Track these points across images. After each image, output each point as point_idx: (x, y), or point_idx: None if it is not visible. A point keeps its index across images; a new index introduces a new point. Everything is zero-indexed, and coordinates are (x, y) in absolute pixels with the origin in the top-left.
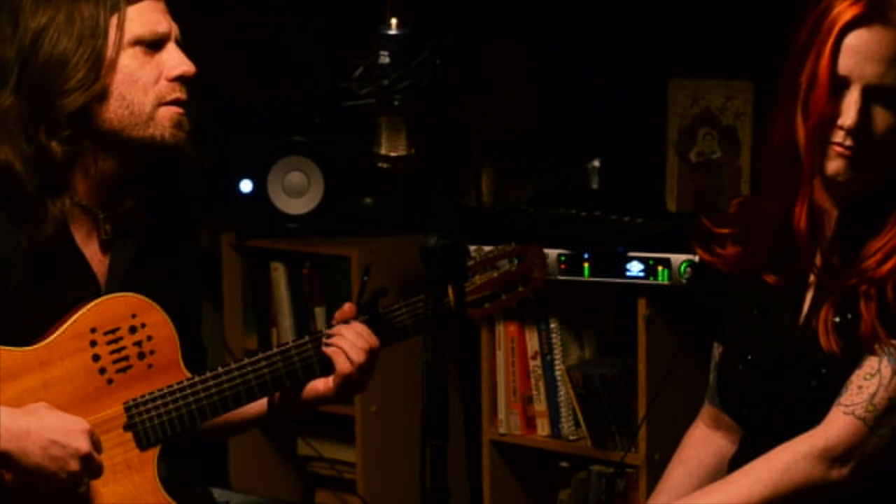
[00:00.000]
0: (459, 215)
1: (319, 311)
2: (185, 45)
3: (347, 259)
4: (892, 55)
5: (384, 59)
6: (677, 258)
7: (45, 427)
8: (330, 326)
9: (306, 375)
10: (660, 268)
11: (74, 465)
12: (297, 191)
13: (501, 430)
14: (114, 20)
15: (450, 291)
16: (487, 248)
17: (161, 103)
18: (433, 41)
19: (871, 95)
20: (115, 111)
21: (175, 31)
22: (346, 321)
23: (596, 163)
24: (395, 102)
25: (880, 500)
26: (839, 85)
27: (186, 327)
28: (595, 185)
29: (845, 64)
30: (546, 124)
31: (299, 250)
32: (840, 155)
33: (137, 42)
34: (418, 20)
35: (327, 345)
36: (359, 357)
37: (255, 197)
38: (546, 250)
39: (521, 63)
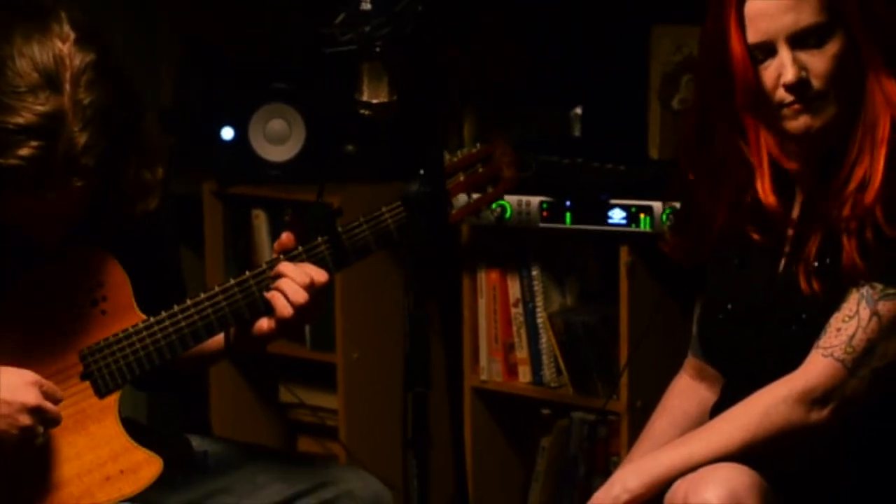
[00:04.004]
0: (441, 162)
1: None
2: None
3: (318, 204)
4: None
5: (366, 5)
6: (659, 206)
7: None
8: (272, 261)
9: (252, 313)
10: (642, 215)
11: (25, 420)
12: (278, 138)
13: (483, 378)
14: None
15: None
16: (452, 155)
17: None
18: None
19: (797, 42)
20: None
21: None
22: (286, 252)
23: (578, 110)
24: (377, 49)
25: (859, 443)
26: (765, 52)
27: (152, 273)
28: (577, 133)
29: (759, 30)
30: (528, 72)
31: (281, 197)
32: (797, 112)
33: None
34: None
35: (269, 288)
36: (299, 298)
37: (237, 144)
38: (528, 198)
39: (504, 10)
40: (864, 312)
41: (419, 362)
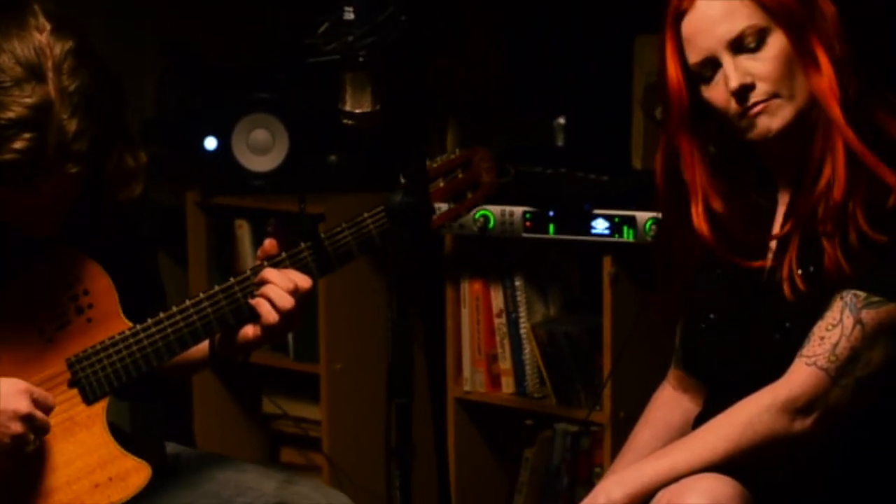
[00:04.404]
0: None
1: None
2: (150, 3)
3: (301, 213)
4: (733, 5)
5: (349, 14)
6: (643, 216)
7: None
8: (256, 267)
9: (237, 319)
10: (625, 226)
11: (16, 427)
12: (261, 148)
13: (466, 388)
14: None
15: None
16: (431, 161)
17: None
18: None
19: (737, 48)
20: None
21: None
22: (270, 258)
23: (561, 120)
24: (360, 59)
25: (844, 453)
26: (712, 68)
27: (134, 278)
28: (561, 143)
29: (699, 48)
30: (512, 81)
31: (264, 208)
32: (752, 118)
33: None
34: None
35: (254, 294)
36: (285, 304)
37: (220, 154)
38: (511, 208)
39: (488, 20)
40: (848, 321)
41: (402, 373)
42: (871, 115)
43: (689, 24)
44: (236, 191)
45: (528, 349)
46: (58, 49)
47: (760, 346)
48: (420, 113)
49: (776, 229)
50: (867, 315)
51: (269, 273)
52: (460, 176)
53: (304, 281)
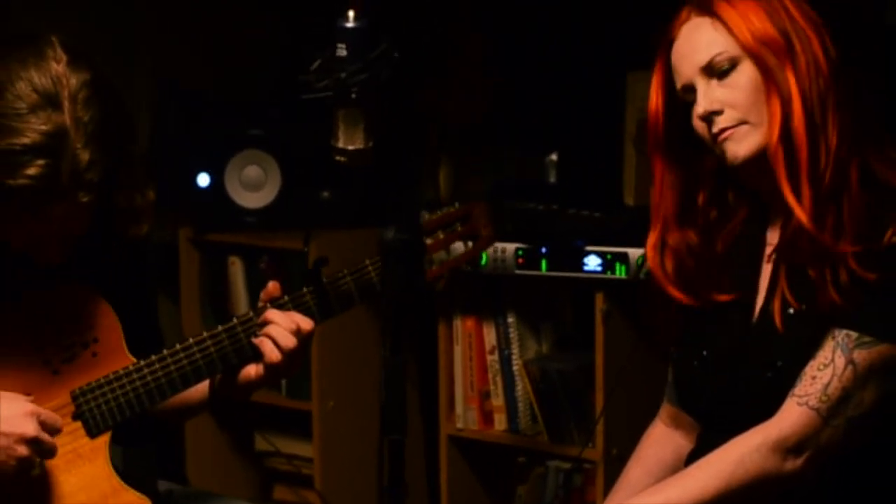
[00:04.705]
0: (417, 209)
1: None
2: (144, 39)
3: (305, 253)
4: (710, 32)
5: (341, 51)
6: (635, 252)
7: None
8: (259, 308)
9: (239, 358)
10: (617, 262)
11: (22, 450)
12: (254, 184)
13: (459, 425)
14: None
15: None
16: (431, 214)
17: None
18: (391, 34)
19: (710, 74)
20: None
21: None
22: (273, 300)
23: (554, 156)
24: (353, 95)
25: (835, 492)
26: (693, 93)
27: (135, 315)
28: (553, 179)
29: (682, 74)
30: (504, 117)
31: (257, 244)
32: (722, 143)
33: None
34: (375, 12)
35: (257, 334)
36: (288, 343)
37: (213, 191)
38: (504, 244)
39: (479, 55)
40: (840, 361)
41: (395, 410)
42: (849, 160)
43: (674, 52)
44: (229, 227)
45: (521, 386)
46: (74, 80)
47: (752, 385)
48: (412, 149)
49: (765, 261)
50: (859, 355)
51: (273, 314)
52: (459, 229)
53: (306, 323)
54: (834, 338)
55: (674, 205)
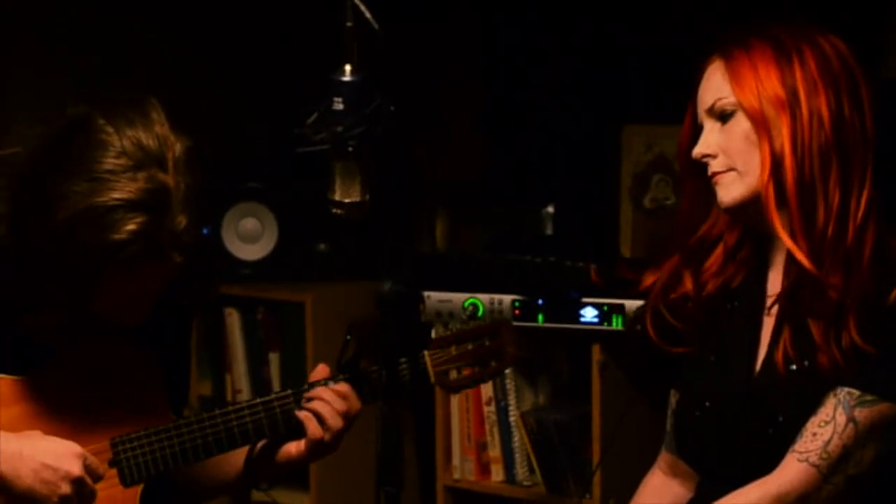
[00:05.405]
0: (414, 261)
1: (273, 357)
2: (139, 91)
3: (301, 305)
4: (720, 77)
5: (338, 105)
6: (631, 304)
7: (37, 450)
8: (308, 387)
9: (287, 427)
10: (614, 314)
11: (66, 489)
12: (251, 237)
13: (456, 476)
14: None
15: (427, 360)
16: (463, 325)
17: None
18: (387, 88)
19: (714, 117)
20: None
21: None
22: (322, 381)
23: (550, 208)
24: (350, 149)
25: None
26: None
27: (176, 375)
28: (549, 231)
29: (699, 108)
30: (500, 170)
31: (253, 296)
32: (715, 184)
33: None
34: (372, 65)
35: (303, 408)
36: (336, 423)
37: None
38: (500, 296)
39: (475, 109)
40: (841, 418)
41: (391, 461)
42: (860, 217)
43: (699, 89)
44: (226, 279)
45: (518, 437)
46: (178, 145)
47: (754, 439)
48: (408, 202)
49: (766, 313)
50: (860, 413)
51: (323, 391)
52: (487, 344)
53: (356, 403)
54: (836, 395)
55: (696, 229)
